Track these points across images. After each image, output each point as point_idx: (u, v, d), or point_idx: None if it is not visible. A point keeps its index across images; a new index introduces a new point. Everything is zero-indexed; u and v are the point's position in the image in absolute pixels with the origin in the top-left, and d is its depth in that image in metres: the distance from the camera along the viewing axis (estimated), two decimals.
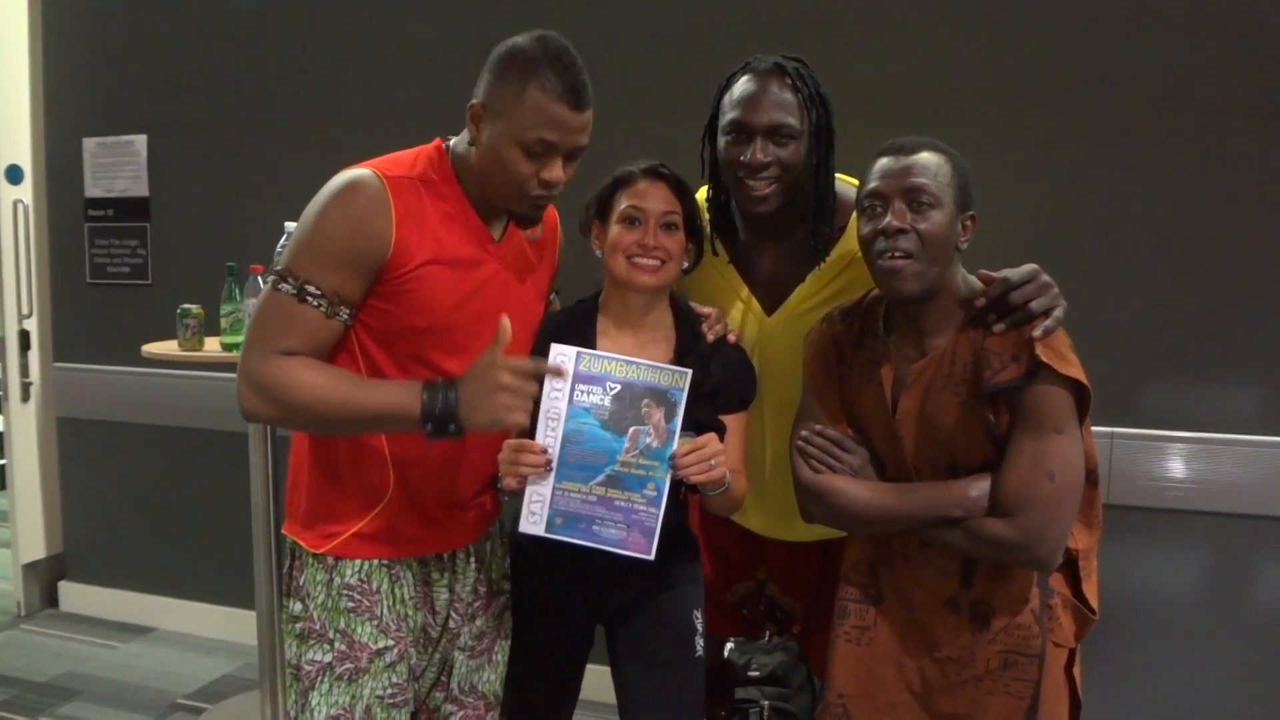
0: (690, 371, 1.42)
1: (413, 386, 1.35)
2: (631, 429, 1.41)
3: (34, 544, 3.49)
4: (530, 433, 1.43)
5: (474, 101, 1.40)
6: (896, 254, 1.38)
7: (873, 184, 1.43)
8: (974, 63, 2.36)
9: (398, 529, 1.50)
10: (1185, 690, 2.34)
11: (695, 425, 1.51)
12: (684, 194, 1.56)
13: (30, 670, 3.04)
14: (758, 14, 2.51)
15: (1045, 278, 1.41)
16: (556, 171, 1.39)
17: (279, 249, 2.19)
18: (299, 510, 1.53)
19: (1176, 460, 2.29)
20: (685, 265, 1.60)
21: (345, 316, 1.40)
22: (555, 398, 1.41)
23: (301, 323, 1.36)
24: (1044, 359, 1.34)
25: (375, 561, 1.50)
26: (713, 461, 1.42)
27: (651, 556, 1.42)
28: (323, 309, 1.37)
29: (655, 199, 1.53)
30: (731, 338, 1.62)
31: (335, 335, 1.40)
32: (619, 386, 1.41)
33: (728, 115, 1.63)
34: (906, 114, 2.37)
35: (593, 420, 1.41)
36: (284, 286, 1.37)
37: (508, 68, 1.37)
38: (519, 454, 1.41)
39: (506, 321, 1.34)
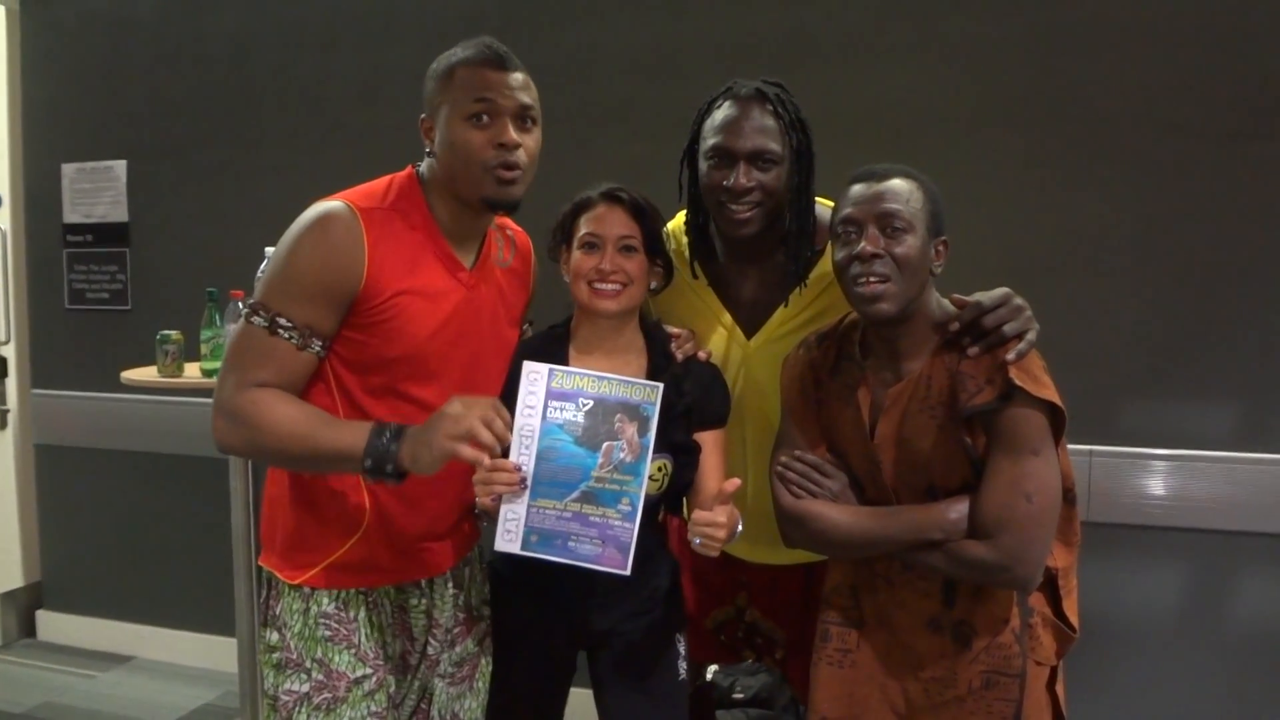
0: (661, 385, 1.42)
1: (364, 427, 1.36)
2: (605, 444, 1.41)
3: (11, 573, 3.45)
4: (504, 451, 1.42)
5: (421, 117, 1.47)
6: (872, 279, 1.39)
7: (846, 210, 1.44)
8: (950, 86, 2.38)
9: (375, 559, 1.49)
10: (1167, 705, 2.35)
11: (671, 446, 1.51)
12: (642, 216, 1.55)
13: (8, 701, 2.99)
14: (737, 38, 2.53)
15: (1018, 301, 1.42)
16: (509, 133, 1.40)
17: (259, 274, 2.18)
18: (275, 541, 1.52)
19: (1155, 477, 2.30)
20: (654, 285, 1.60)
21: (318, 349, 1.40)
22: (529, 415, 1.41)
23: (274, 355, 1.37)
24: (1018, 382, 1.36)
25: (352, 590, 1.49)
26: (721, 534, 1.39)
27: (627, 571, 1.40)
28: (294, 341, 1.37)
29: (612, 224, 1.53)
30: (702, 356, 1.63)
31: (309, 367, 1.41)
32: (591, 402, 1.41)
33: (709, 140, 1.63)
34: (884, 137, 2.39)
35: (566, 437, 1.41)
36: (256, 319, 1.38)
37: (434, 71, 1.46)
38: (493, 473, 1.40)
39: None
